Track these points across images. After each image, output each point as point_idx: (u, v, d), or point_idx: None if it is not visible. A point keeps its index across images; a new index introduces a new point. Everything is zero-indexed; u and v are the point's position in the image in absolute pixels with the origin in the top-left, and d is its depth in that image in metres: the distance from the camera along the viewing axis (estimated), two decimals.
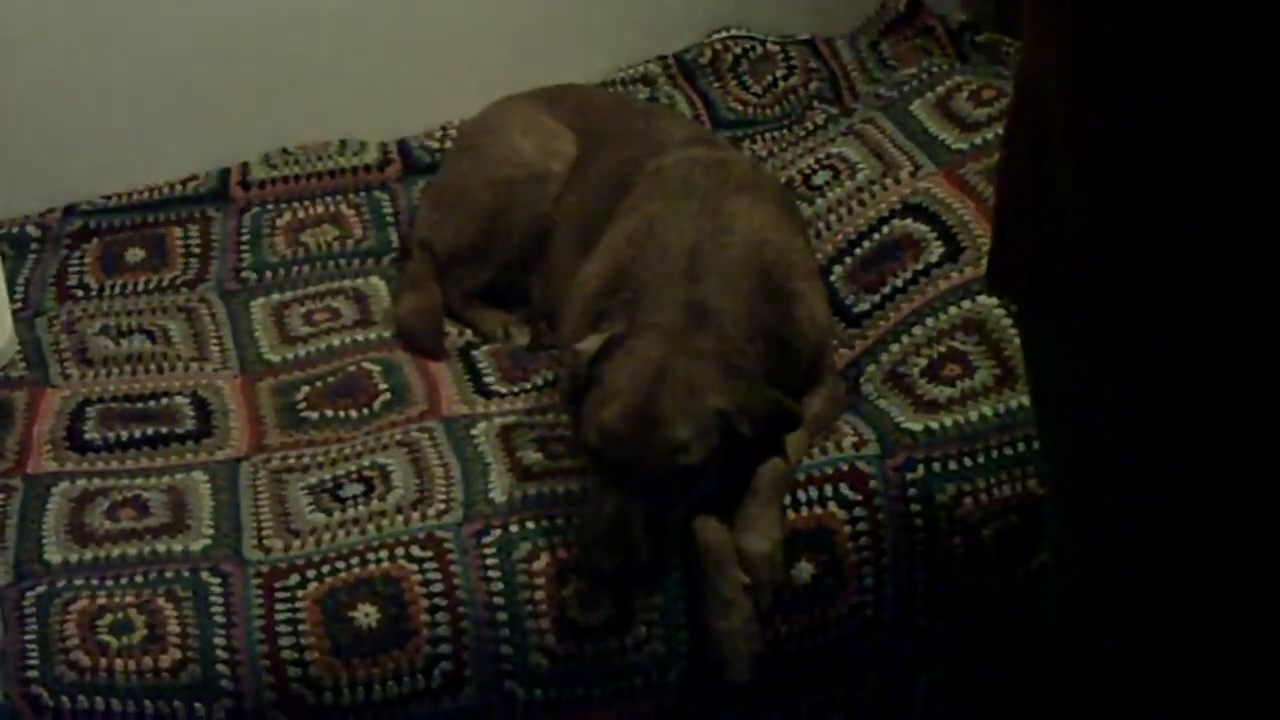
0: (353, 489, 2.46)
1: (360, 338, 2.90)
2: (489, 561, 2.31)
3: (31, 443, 2.61)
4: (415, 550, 2.32)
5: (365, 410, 2.69)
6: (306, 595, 2.28)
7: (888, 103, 3.13)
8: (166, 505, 2.46)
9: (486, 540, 2.34)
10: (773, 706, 2.40)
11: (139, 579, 2.31)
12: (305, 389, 2.76)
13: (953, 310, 2.62)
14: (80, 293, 3.06)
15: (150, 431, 2.64)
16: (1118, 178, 1.55)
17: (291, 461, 2.57)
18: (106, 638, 2.23)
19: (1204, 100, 1.49)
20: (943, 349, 2.58)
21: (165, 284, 3.08)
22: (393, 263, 3.12)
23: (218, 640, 2.24)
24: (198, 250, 3.14)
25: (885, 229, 2.81)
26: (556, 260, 2.86)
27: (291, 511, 2.44)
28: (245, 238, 3.15)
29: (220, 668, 2.22)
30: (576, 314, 2.56)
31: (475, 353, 2.84)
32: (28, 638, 2.23)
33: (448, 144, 3.26)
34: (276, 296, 3.05)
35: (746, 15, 3.58)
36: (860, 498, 2.40)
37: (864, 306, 2.72)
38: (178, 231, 3.18)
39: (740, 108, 3.41)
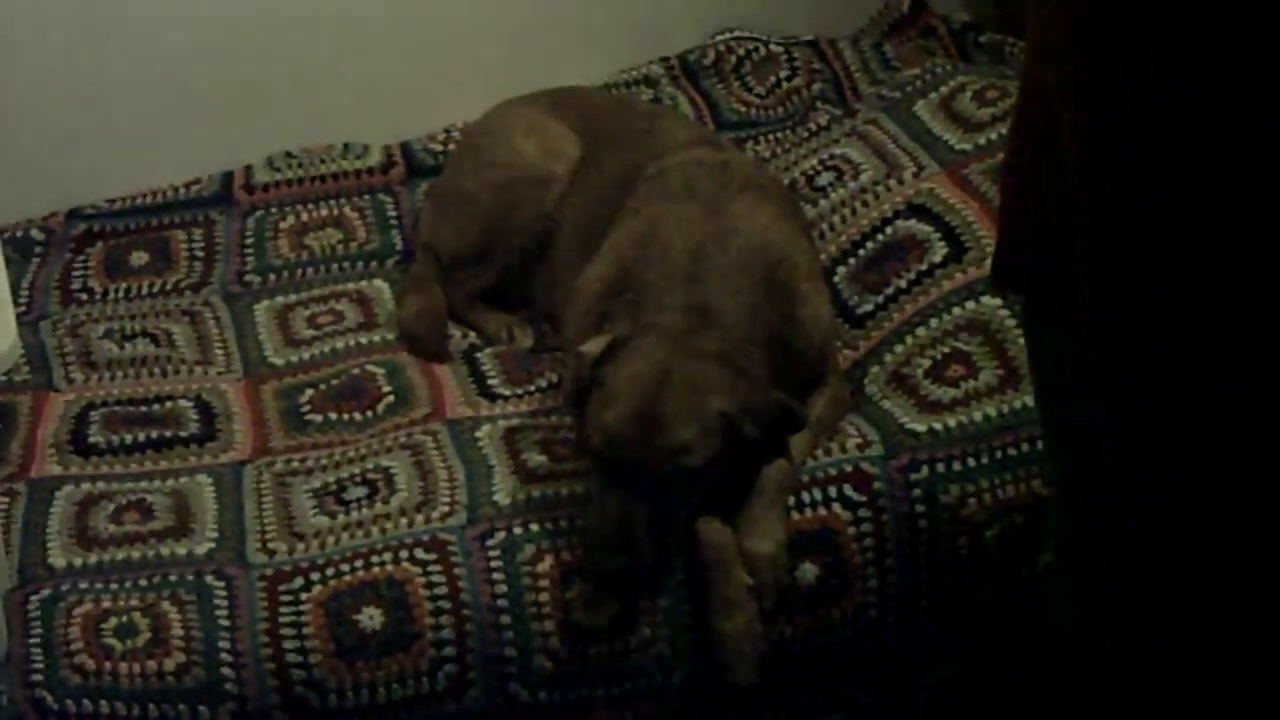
0: (357, 492, 2.46)
1: (364, 340, 2.90)
2: (493, 564, 2.31)
3: (36, 446, 2.61)
4: (419, 553, 2.32)
5: (369, 413, 2.69)
6: (311, 598, 2.28)
7: (891, 103, 3.12)
8: (171, 509, 2.47)
9: (490, 543, 2.34)
10: (777, 707, 2.40)
11: (143, 582, 2.31)
12: (309, 392, 2.76)
13: (956, 311, 2.62)
14: (84, 296, 3.06)
15: (154, 435, 2.65)
16: (1123, 175, 1.55)
17: (295, 464, 2.57)
18: (111, 641, 2.23)
19: (1207, 98, 1.49)
20: (946, 350, 2.58)
21: (169, 287, 3.08)
22: (396, 265, 3.12)
23: (222, 643, 2.24)
24: (201, 253, 3.14)
25: (889, 230, 2.81)
26: (560, 262, 2.86)
27: (295, 514, 2.44)
28: (249, 241, 3.16)
29: (225, 671, 2.22)
30: (580, 316, 2.56)
31: (479, 355, 2.85)
32: (32, 641, 2.23)
33: (451, 146, 3.26)
34: (280, 299, 3.05)
35: (749, 16, 3.57)
36: (864, 499, 2.40)
37: (867, 307, 2.72)
38: (181, 235, 3.18)
39: (743, 109, 3.41)
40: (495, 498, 2.41)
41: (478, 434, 2.57)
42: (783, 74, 3.46)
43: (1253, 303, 1.54)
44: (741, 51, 3.50)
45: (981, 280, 2.61)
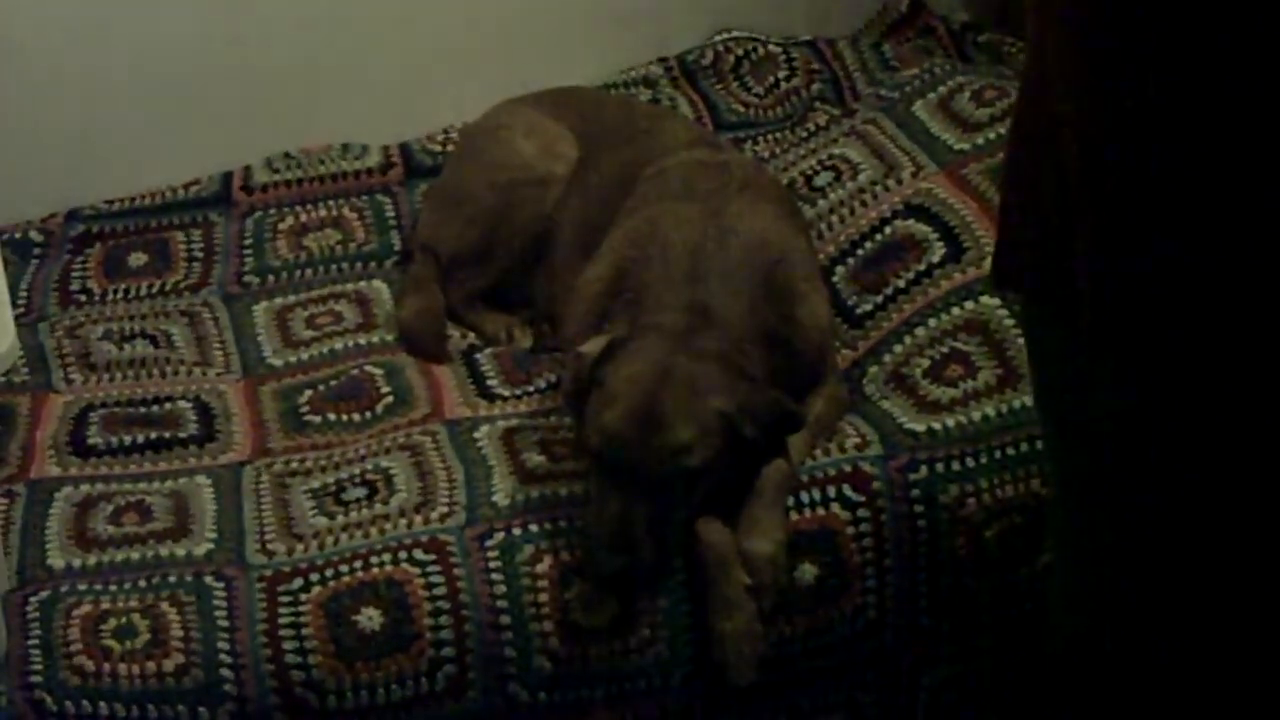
0: (356, 492, 2.46)
1: (363, 341, 2.90)
2: (492, 564, 2.31)
3: (34, 448, 2.61)
4: (418, 553, 2.32)
5: (368, 414, 2.69)
6: (310, 599, 2.28)
7: (889, 103, 3.13)
8: (169, 510, 2.47)
9: (489, 543, 2.34)
10: (776, 708, 2.40)
11: (142, 584, 2.31)
12: (308, 393, 2.76)
13: (955, 311, 2.62)
14: (83, 298, 3.06)
15: (153, 436, 2.64)
16: (1123, 175, 1.55)
17: (294, 465, 2.57)
18: (110, 642, 2.23)
19: (1207, 98, 1.48)
20: (945, 349, 2.58)
21: (168, 288, 3.08)
22: (395, 266, 3.12)
23: (221, 644, 2.24)
24: (200, 254, 3.14)
25: (887, 230, 2.81)
26: (559, 263, 2.86)
27: (294, 515, 2.44)
28: (248, 242, 3.15)
29: (224, 672, 2.22)
30: (579, 316, 2.56)
31: (478, 355, 2.84)
32: (31, 643, 2.23)
33: (450, 147, 3.26)
34: (279, 300, 3.05)
35: (748, 17, 3.57)
36: (863, 499, 2.40)
37: (866, 307, 2.72)
38: (180, 236, 3.18)
39: (742, 109, 3.41)
40: (494, 498, 2.41)
41: (477, 434, 2.56)
42: (781, 74, 3.46)
43: (1253, 302, 1.53)
44: (740, 52, 3.50)
45: (980, 280, 2.61)
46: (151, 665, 2.21)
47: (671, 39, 3.54)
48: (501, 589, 2.30)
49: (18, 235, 3.16)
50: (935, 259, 2.71)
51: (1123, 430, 1.66)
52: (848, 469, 2.42)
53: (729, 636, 2.30)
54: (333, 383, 2.78)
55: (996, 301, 2.58)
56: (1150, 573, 1.69)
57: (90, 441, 2.63)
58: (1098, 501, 1.72)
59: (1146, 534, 1.68)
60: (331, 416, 2.69)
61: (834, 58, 3.50)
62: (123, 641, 2.23)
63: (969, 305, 2.61)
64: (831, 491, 2.40)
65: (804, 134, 3.26)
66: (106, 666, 2.20)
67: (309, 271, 3.11)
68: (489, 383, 2.75)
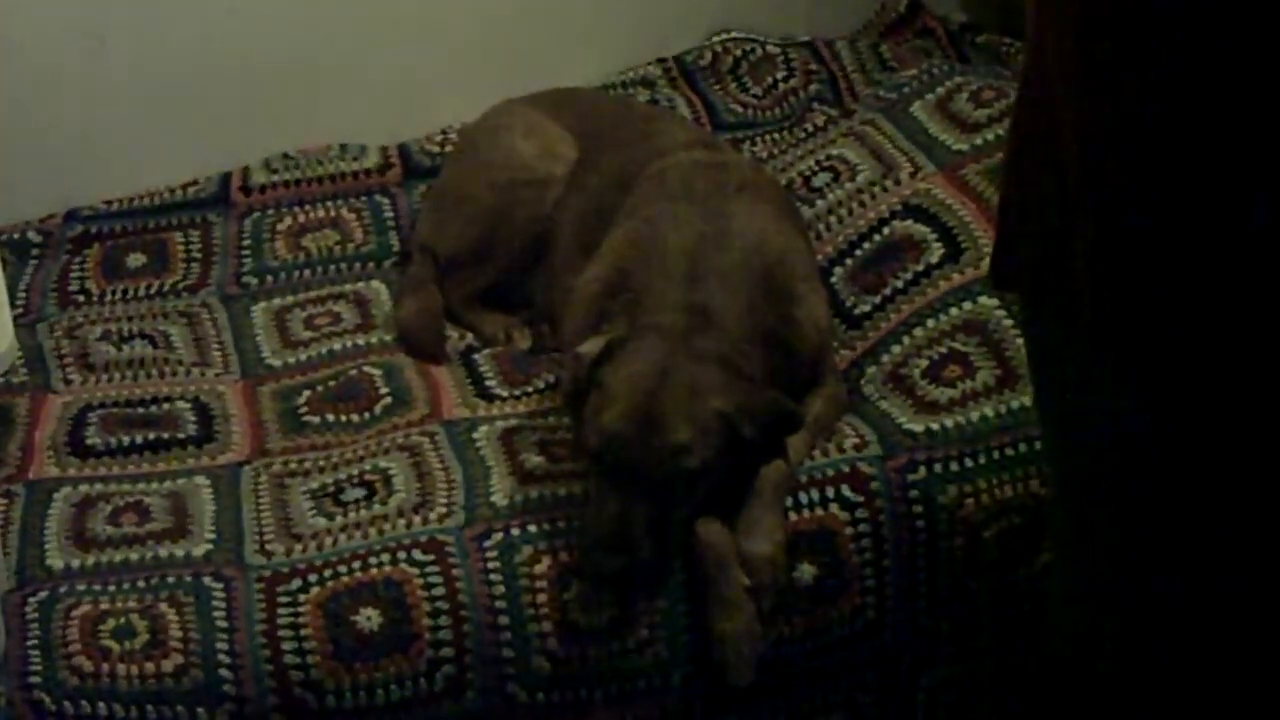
0: (354, 493, 2.46)
1: (361, 342, 2.90)
2: (491, 565, 2.31)
3: (33, 448, 2.61)
4: (417, 554, 2.32)
5: (367, 414, 2.69)
6: (308, 599, 2.28)
7: (888, 104, 3.13)
8: (168, 510, 2.47)
9: (488, 544, 2.34)
10: (775, 708, 2.40)
11: (141, 584, 2.31)
12: (306, 393, 2.76)
13: (954, 311, 2.62)
14: (81, 298, 3.06)
15: (152, 436, 2.64)
16: (1123, 175, 1.55)
17: (293, 466, 2.57)
18: (109, 643, 2.23)
19: (1208, 98, 1.49)
20: (944, 350, 2.58)
21: (166, 289, 3.08)
22: (393, 266, 3.12)
23: (220, 645, 2.24)
24: (199, 255, 3.14)
25: (886, 230, 2.81)
26: (557, 263, 2.86)
27: (293, 516, 2.44)
28: (246, 242, 3.15)
29: (222, 672, 2.22)
30: (578, 317, 2.56)
31: (476, 356, 2.84)
32: (30, 643, 2.23)
33: (448, 148, 3.26)
34: (278, 301, 3.05)
35: (746, 17, 3.58)
36: (862, 499, 2.40)
37: (865, 308, 2.72)
38: (178, 236, 3.18)
39: (740, 110, 3.41)
40: (493, 499, 2.41)
41: (475, 435, 2.56)
42: (780, 75, 3.46)
43: (1253, 302, 1.54)
44: (738, 52, 3.50)
45: (979, 281, 2.61)
46: (150, 666, 2.21)
47: (670, 39, 3.54)
48: (500, 589, 2.29)
49: (16, 236, 3.16)
50: (934, 259, 2.71)
51: (1122, 430, 1.66)
52: (846, 469, 2.42)
53: (728, 637, 2.29)
54: (331, 383, 2.78)
55: (995, 302, 2.58)
56: (1150, 573, 1.69)
57: (89, 442, 2.63)
58: (1097, 501, 1.72)
59: (1146, 534, 1.68)
60: (330, 417, 2.69)
61: (832, 58, 3.50)
62: (121, 642, 2.23)
63: (967, 306, 2.61)
64: (830, 492, 2.40)
65: (802, 134, 3.27)
66: (105, 667, 2.20)
67: (307, 272, 3.11)
68: (488, 383, 2.75)
